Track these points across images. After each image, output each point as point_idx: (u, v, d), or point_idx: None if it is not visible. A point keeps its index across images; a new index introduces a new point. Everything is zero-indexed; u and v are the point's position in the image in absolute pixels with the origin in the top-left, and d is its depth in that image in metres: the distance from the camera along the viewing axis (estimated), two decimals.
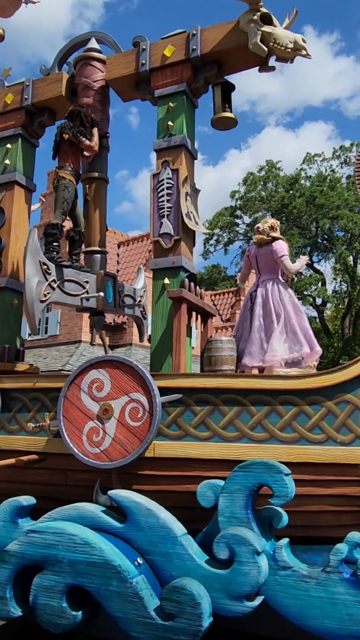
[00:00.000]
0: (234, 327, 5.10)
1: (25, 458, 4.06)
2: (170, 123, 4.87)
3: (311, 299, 31.65)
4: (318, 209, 31.40)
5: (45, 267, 4.51)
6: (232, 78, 5.15)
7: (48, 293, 4.50)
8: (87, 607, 3.22)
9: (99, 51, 5.48)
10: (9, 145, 5.64)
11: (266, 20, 4.59)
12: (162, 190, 4.78)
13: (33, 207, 5.84)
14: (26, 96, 5.60)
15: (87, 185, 5.44)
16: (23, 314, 5.09)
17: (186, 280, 4.56)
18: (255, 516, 3.28)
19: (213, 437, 3.72)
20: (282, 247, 4.89)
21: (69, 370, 16.16)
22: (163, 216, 4.74)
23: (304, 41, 4.62)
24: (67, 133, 4.97)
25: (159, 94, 4.99)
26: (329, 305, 33.11)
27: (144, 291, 6.32)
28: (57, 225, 4.89)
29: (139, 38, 5.15)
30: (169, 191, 4.76)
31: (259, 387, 3.70)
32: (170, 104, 4.91)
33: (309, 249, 32.38)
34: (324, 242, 33.20)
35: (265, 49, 4.57)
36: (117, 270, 21.65)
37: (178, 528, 3.28)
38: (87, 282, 4.99)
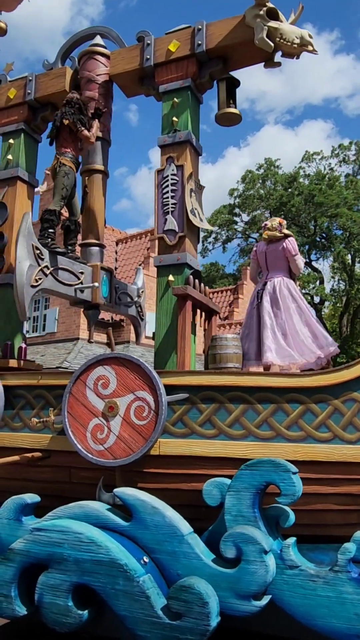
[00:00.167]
0: (242, 324, 5.06)
1: (29, 455, 4.03)
2: (175, 119, 4.84)
3: (309, 298, 31.66)
4: (316, 207, 31.40)
5: (38, 251, 4.41)
6: (236, 74, 5.12)
7: (40, 279, 4.40)
8: (93, 606, 3.20)
9: (104, 47, 5.44)
10: (11, 141, 5.59)
11: (272, 15, 4.56)
12: (167, 186, 4.75)
13: (38, 189, 5.73)
14: (29, 91, 5.56)
15: (87, 178, 5.39)
16: (33, 310, 5.04)
17: (191, 277, 4.53)
18: (262, 515, 3.26)
19: (219, 435, 3.70)
20: (295, 244, 4.89)
21: (66, 368, 16.13)
22: (167, 212, 4.71)
23: (310, 37, 4.59)
24: (67, 119, 4.91)
25: (163, 90, 4.95)
26: (327, 303, 33.13)
27: (142, 291, 6.25)
28: (54, 211, 4.81)
29: (143, 33, 5.12)
30: (174, 187, 4.73)
31: (265, 384, 3.67)
32: (175, 99, 4.87)
33: (307, 247, 32.38)
34: (322, 240, 33.20)
35: (272, 44, 4.54)
36: (115, 268, 21.60)
37: (184, 527, 3.25)
38: (82, 273, 4.91)
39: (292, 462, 3.31)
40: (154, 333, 4.67)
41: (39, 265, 4.41)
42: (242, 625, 3.20)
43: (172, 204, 4.70)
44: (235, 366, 4.45)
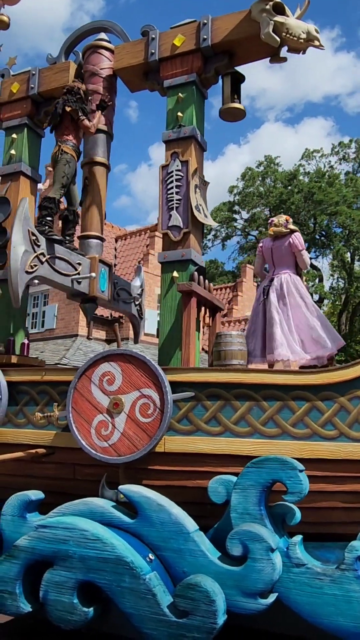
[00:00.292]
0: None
1: (33, 451, 4.00)
2: (179, 114, 4.80)
3: None
4: (316, 205, 31.40)
5: (34, 237, 4.31)
6: (238, 69, 5.08)
7: (35, 265, 4.29)
8: (98, 604, 3.18)
9: (108, 42, 5.39)
10: (14, 135, 5.56)
11: (278, 9, 4.52)
12: (172, 182, 4.72)
13: (41, 185, 5.68)
14: (32, 85, 5.51)
15: (88, 170, 5.33)
16: (33, 307, 4.99)
17: (195, 273, 4.50)
18: (268, 512, 3.24)
19: (224, 433, 3.68)
20: (301, 240, 4.86)
21: (65, 364, 16.09)
22: (172, 208, 4.68)
23: (316, 32, 4.55)
24: (70, 106, 4.86)
25: (168, 84, 4.92)
26: (326, 301, 33.14)
27: (142, 289, 6.20)
28: (54, 199, 4.74)
29: (148, 27, 5.08)
30: (178, 183, 4.70)
31: (271, 382, 3.65)
32: (180, 94, 4.84)
33: (306, 245, 32.35)
34: (322, 238, 33.21)
35: (278, 39, 4.50)
36: (115, 265, 21.54)
37: (190, 524, 3.24)
38: (79, 264, 4.82)
39: (298, 459, 3.30)
40: (158, 329, 4.63)
41: (35, 252, 4.29)
42: (247, 623, 3.19)
43: (176, 199, 4.67)
44: (240, 363, 4.43)
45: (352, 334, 30.80)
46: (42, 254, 4.38)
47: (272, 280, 4.84)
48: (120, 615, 3.08)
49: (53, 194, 4.75)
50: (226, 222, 35.59)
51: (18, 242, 4.14)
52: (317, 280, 31.62)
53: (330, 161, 34.22)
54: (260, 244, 5.12)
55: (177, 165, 4.73)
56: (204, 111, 5.09)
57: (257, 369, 3.90)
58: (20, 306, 4.31)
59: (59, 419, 4.02)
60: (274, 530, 3.18)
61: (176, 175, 4.71)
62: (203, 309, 4.75)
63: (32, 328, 20.18)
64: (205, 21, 4.78)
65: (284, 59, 4.77)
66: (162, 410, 3.66)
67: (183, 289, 4.35)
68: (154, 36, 4.99)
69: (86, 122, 4.91)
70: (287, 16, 4.57)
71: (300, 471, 3.18)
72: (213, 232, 35.87)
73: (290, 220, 4.95)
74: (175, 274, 4.56)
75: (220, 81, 5.10)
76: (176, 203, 4.67)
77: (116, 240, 23.44)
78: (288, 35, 4.53)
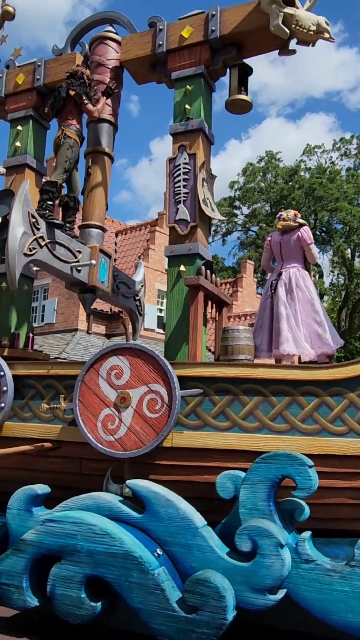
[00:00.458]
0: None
1: (40, 445, 3.98)
2: (187, 106, 4.76)
3: None
4: (317, 201, 31.34)
5: (34, 220, 4.21)
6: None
7: (34, 248, 4.18)
8: (106, 598, 3.16)
9: (115, 33, 5.33)
10: (19, 127, 5.51)
11: (288, 1, 4.48)
12: (179, 175, 4.68)
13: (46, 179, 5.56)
14: (38, 76, 5.46)
15: (91, 159, 5.24)
16: (32, 301, 4.94)
17: (203, 267, 4.47)
18: (277, 508, 3.22)
19: (232, 428, 3.65)
20: (309, 233, 4.84)
21: (64, 359, 16.06)
22: (179, 202, 4.64)
23: (327, 24, 4.51)
24: (73, 89, 4.79)
25: (175, 76, 4.87)
26: (325, 298, 33.12)
27: (143, 285, 6.15)
28: (55, 183, 4.66)
29: (155, 18, 5.03)
30: (186, 176, 4.66)
31: (280, 377, 3.63)
32: (188, 86, 4.80)
33: None
34: (322, 234, 33.16)
35: (287, 31, 4.46)
36: (115, 259, 21.49)
37: (198, 519, 3.22)
38: (79, 252, 4.72)
39: (306, 455, 3.28)
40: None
41: (34, 235, 4.18)
42: (256, 619, 3.17)
43: (184, 193, 4.64)
44: (247, 358, 4.41)
45: (352, 331, 30.82)
46: (42, 237, 4.27)
47: (280, 274, 4.81)
48: (128, 610, 3.06)
49: (55, 178, 4.67)
50: (227, 218, 35.52)
51: (17, 223, 4.02)
52: (317, 277, 31.57)
53: (331, 157, 34.16)
54: (269, 238, 5.09)
55: (185, 158, 4.69)
56: (211, 104, 5.05)
57: (266, 364, 3.88)
58: (17, 288, 4.20)
59: (65, 411, 3.99)
60: (282, 526, 3.17)
61: (183, 168, 4.67)
62: (209, 303, 4.72)
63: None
64: (214, 12, 4.73)
65: (293, 52, 4.73)
66: (169, 406, 3.64)
67: (191, 283, 4.32)
68: (161, 27, 4.94)
69: (90, 106, 4.85)
70: (297, 8, 4.52)
71: (310, 467, 3.16)
72: (213, 228, 35.78)
73: (299, 214, 4.93)
74: (182, 267, 4.52)
75: (227, 73, 5.05)
76: (183, 196, 4.63)
77: (116, 235, 23.40)
78: (298, 27, 4.49)
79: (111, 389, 3.78)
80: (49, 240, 4.37)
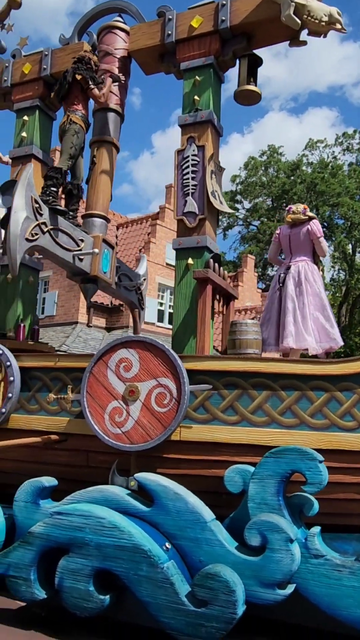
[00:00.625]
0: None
1: (47, 437, 3.96)
2: (196, 97, 4.71)
3: None
4: (318, 195, 31.26)
5: (37, 205, 4.11)
6: None
7: (36, 234, 4.09)
8: (114, 591, 3.15)
9: (124, 23, 5.27)
10: (25, 117, 5.45)
11: None
12: (187, 167, 4.64)
13: None
14: (45, 66, 5.40)
15: (96, 148, 5.15)
16: (38, 293, 4.89)
17: (211, 260, 4.43)
18: (286, 503, 3.21)
19: (241, 422, 3.63)
20: (319, 226, 4.81)
21: (64, 352, 16.04)
22: (187, 194, 4.60)
23: (339, 14, 4.45)
24: (80, 74, 4.73)
25: (185, 67, 4.82)
26: (326, 293, 33.13)
27: (145, 279, 6.09)
28: (60, 169, 4.60)
29: (165, 8, 4.96)
30: (194, 168, 4.62)
31: (290, 371, 3.60)
32: (197, 77, 4.74)
33: None
34: (324, 229, 33.04)
35: (299, 21, 4.40)
36: (116, 253, 21.42)
37: (207, 513, 3.20)
38: (82, 240, 4.64)
39: (315, 450, 3.26)
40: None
41: (37, 220, 4.09)
42: (264, 614, 3.16)
43: (192, 185, 4.59)
44: (255, 352, 4.38)
45: (352, 326, 30.81)
46: (44, 223, 4.19)
47: (289, 267, 4.78)
48: (137, 603, 3.05)
49: (60, 164, 4.62)
50: (233, 211, 35.45)
51: (19, 207, 3.92)
52: (324, 271, 31.59)
53: (333, 152, 34.06)
54: (277, 231, 5.06)
55: (194, 150, 4.64)
56: (220, 95, 4.99)
57: (276, 357, 3.85)
58: (17, 274, 4.11)
59: (72, 402, 3.96)
60: (291, 521, 3.15)
61: (192, 160, 4.63)
62: (217, 296, 4.69)
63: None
64: (224, 2, 4.67)
65: (304, 43, 4.68)
66: (178, 401, 3.61)
67: (199, 276, 4.28)
68: (170, 17, 4.88)
69: (96, 90, 4.79)
70: None
71: (320, 462, 3.14)
72: None
73: (308, 208, 4.89)
74: (190, 260, 4.48)
75: (236, 64, 4.99)
76: (192, 189, 4.59)
77: (117, 228, 23.33)
78: (309, 18, 4.43)
79: (119, 381, 3.75)
80: (51, 227, 4.27)
